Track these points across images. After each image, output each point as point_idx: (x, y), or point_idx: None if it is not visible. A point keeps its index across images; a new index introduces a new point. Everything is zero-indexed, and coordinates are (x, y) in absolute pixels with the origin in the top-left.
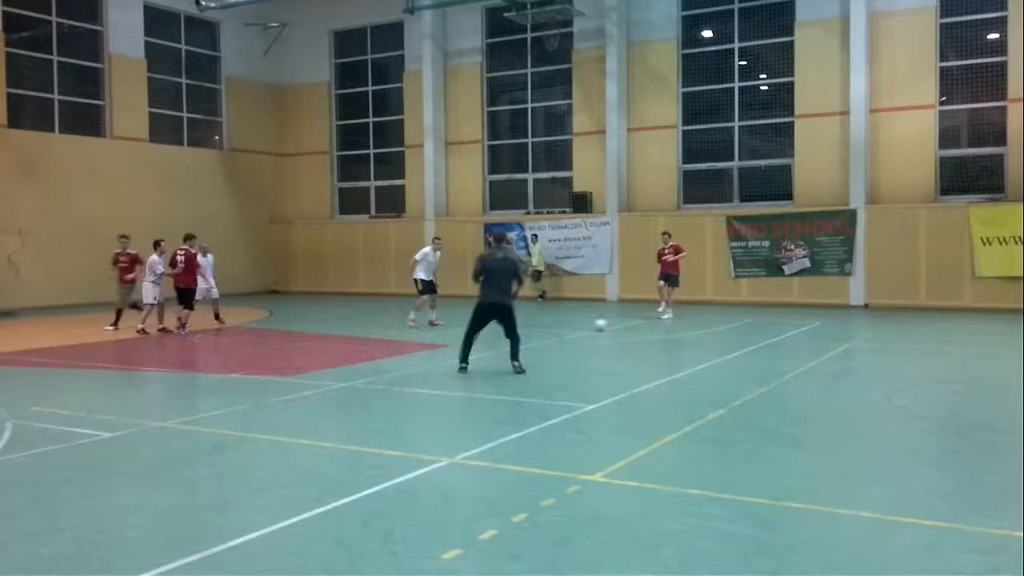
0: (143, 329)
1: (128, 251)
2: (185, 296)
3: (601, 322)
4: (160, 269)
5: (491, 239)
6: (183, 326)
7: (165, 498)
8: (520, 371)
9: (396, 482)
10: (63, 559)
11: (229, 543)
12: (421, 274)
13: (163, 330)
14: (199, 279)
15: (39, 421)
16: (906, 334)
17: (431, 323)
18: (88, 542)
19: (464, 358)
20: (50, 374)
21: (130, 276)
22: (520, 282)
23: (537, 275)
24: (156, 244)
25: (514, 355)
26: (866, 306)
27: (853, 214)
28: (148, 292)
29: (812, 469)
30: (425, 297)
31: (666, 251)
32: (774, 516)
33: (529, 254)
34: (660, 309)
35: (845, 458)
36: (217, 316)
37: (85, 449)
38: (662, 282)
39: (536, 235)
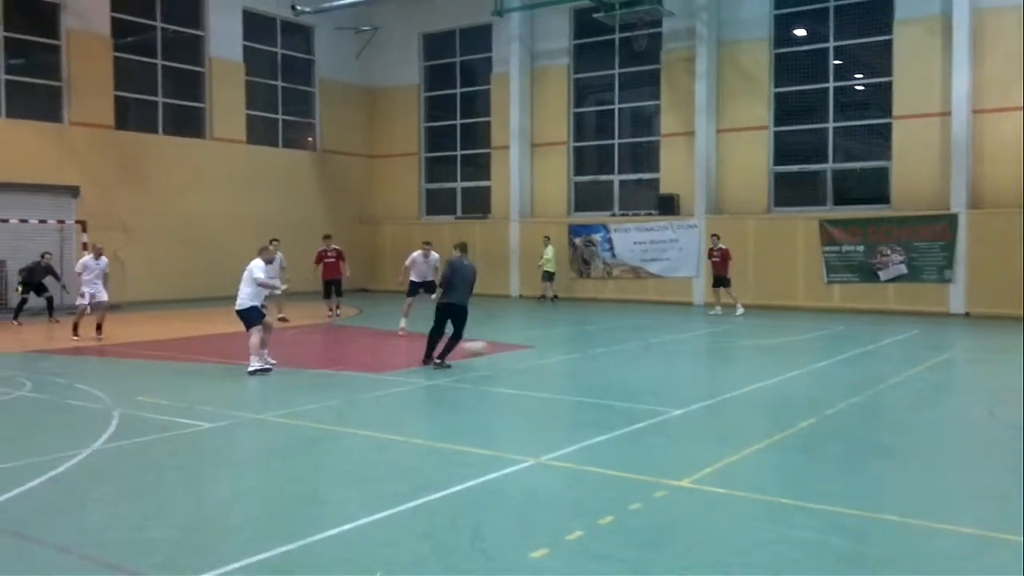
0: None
1: (334, 247)
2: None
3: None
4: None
5: (456, 247)
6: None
7: (263, 488)
8: (445, 367)
9: (483, 480)
10: (168, 543)
11: (324, 533)
12: (413, 276)
13: (283, 319)
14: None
15: (144, 411)
16: (1009, 344)
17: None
18: (191, 528)
19: (429, 355)
20: (153, 366)
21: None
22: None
23: (549, 277)
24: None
25: (445, 351)
26: (967, 315)
27: (954, 219)
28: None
29: (907, 481)
30: (411, 300)
31: (714, 253)
32: (867, 528)
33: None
34: (739, 311)
35: (943, 471)
36: (77, 326)
37: (187, 439)
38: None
39: (548, 237)
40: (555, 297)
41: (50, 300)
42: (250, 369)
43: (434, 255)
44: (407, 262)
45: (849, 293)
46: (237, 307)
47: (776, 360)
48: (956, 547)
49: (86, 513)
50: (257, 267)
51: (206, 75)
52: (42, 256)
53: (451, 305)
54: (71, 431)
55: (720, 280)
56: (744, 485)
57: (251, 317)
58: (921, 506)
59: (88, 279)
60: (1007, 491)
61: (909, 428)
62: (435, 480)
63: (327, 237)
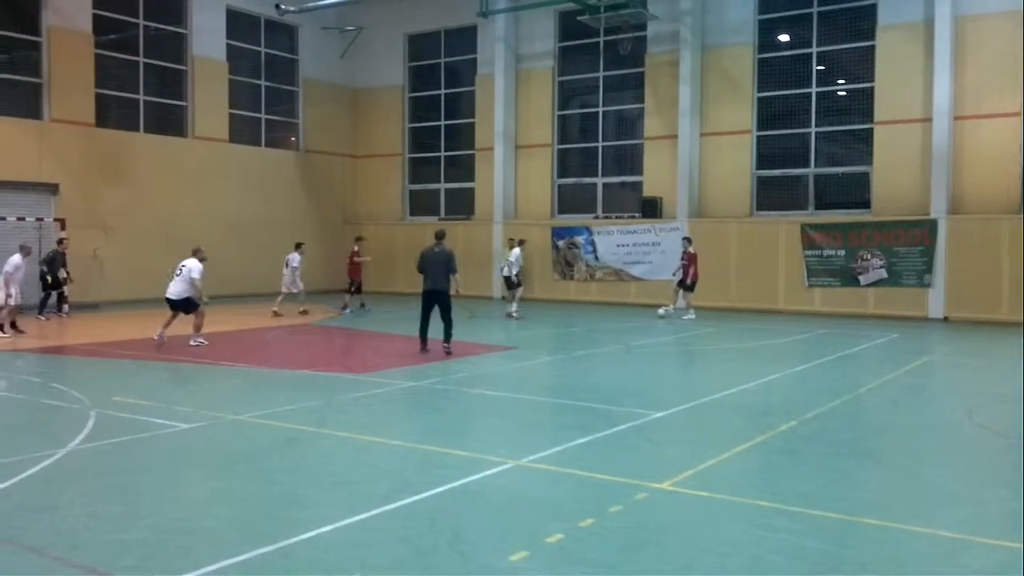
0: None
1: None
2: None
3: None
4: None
5: (434, 235)
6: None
7: (241, 489)
8: (449, 352)
9: (464, 482)
10: (143, 544)
11: (302, 535)
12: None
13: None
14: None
15: (120, 411)
16: (988, 349)
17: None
18: (167, 530)
19: (424, 344)
20: (131, 365)
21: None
22: (454, 271)
23: (507, 281)
24: (297, 246)
25: (446, 338)
26: (946, 319)
27: (934, 224)
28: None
29: (887, 485)
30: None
31: (683, 256)
32: (846, 531)
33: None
34: (665, 311)
35: (922, 475)
36: (13, 325)
37: (164, 439)
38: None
39: (513, 239)
40: (510, 315)
41: (62, 294)
42: (195, 343)
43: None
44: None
45: (830, 297)
46: (176, 296)
47: (757, 363)
48: (934, 550)
49: (60, 514)
50: (196, 268)
51: (188, 73)
52: (59, 242)
53: (428, 292)
54: (46, 431)
55: (682, 283)
56: (724, 488)
57: (191, 304)
58: (899, 509)
59: (20, 277)
60: (984, 494)
61: (888, 431)
62: (414, 482)
63: (359, 239)
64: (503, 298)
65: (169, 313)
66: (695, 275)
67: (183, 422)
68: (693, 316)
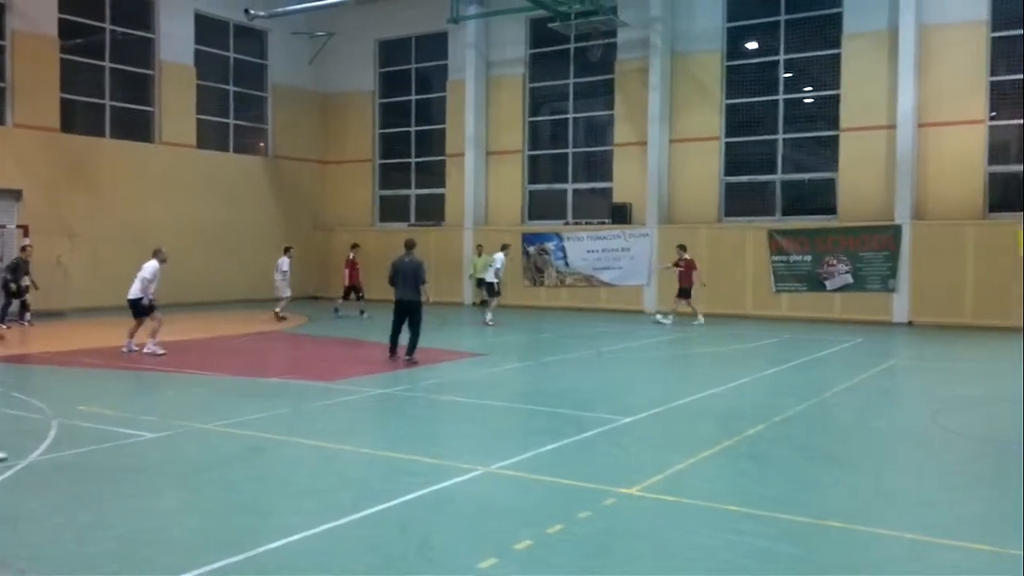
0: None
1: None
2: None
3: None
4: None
5: (404, 244)
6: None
7: (207, 499)
8: (413, 363)
9: (432, 490)
10: (108, 556)
11: (268, 545)
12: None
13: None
14: None
15: (84, 420)
16: (951, 353)
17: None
18: (132, 540)
19: (393, 350)
20: (96, 374)
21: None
22: (423, 281)
23: (480, 283)
24: (286, 249)
25: (410, 349)
26: (910, 323)
27: (898, 230)
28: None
29: (853, 488)
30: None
31: (680, 263)
32: (814, 535)
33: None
34: (698, 320)
35: (888, 478)
36: None
37: (129, 449)
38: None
39: (500, 244)
40: (487, 323)
41: (24, 303)
42: (148, 351)
43: None
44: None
45: (796, 302)
46: (131, 296)
47: (725, 368)
48: (899, 553)
49: (23, 526)
50: (149, 268)
51: (156, 78)
52: (23, 249)
53: (399, 302)
54: (6, 442)
55: (683, 291)
56: (693, 492)
57: (140, 306)
58: (865, 512)
59: None
60: (949, 497)
61: (854, 435)
62: (383, 490)
63: (355, 246)
64: (476, 304)
65: (134, 321)
66: (689, 281)
67: (148, 431)
68: (702, 321)
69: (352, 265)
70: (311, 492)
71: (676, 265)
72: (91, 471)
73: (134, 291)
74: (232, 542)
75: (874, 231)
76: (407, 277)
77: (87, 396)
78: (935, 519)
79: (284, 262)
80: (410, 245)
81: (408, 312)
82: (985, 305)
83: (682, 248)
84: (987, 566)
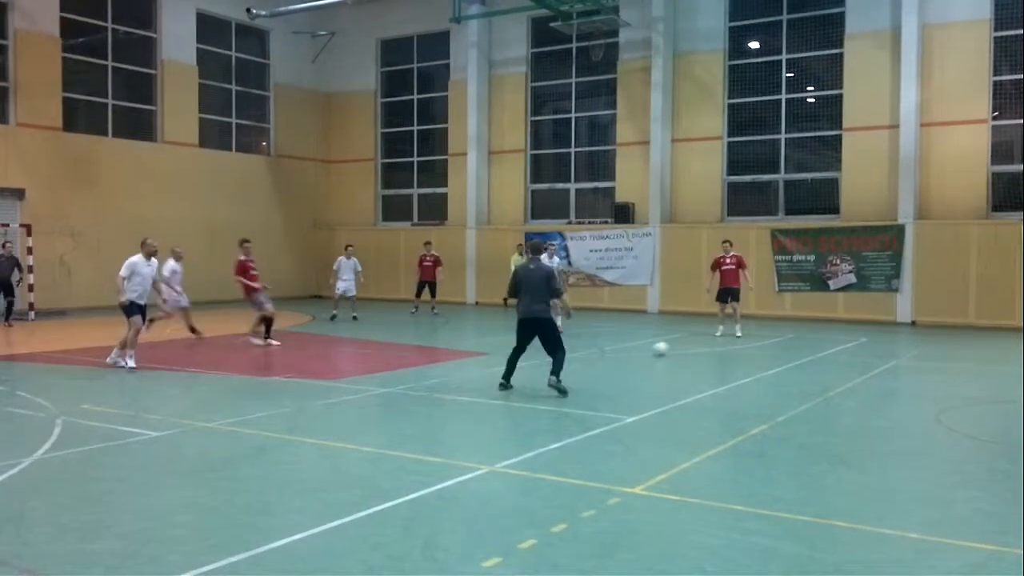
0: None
1: (433, 253)
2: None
3: (662, 345)
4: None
5: (527, 249)
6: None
7: (211, 498)
8: (559, 388)
9: (436, 488)
10: (112, 555)
11: (273, 544)
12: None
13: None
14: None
15: (88, 419)
16: (955, 353)
17: (354, 318)
18: (136, 539)
19: (505, 376)
20: (100, 373)
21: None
22: (555, 294)
23: None
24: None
25: (556, 369)
26: (913, 323)
27: (901, 229)
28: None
29: (858, 487)
30: (339, 295)
31: (727, 260)
32: (818, 534)
33: (570, 263)
34: (719, 332)
35: (892, 477)
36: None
37: (133, 448)
38: (728, 298)
39: (521, 244)
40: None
41: (11, 303)
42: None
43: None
44: (335, 266)
45: (800, 301)
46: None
47: (729, 367)
48: (904, 552)
49: (27, 525)
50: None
51: (158, 77)
52: (3, 246)
53: (524, 320)
54: (11, 440)
55: (729, 292)
56: (697, 492)
57: (131, 310)
58: (869, 512)
59: None
60: (953, 496)
61: (858, 434)
62: (387, 489)
63: (427, 243)
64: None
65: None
66: (736, 280)
67: (152, 430)
68: (740, 334)
69: (420, 262)
70: (314, 491)
71: (720, 264)
72: (95, 469)
73: (140, 294)
74: (236, 541)
75: (877, 231)
76: (536, 288)
77: (91, 394)
78: (938, 518)
79: (351, 262)
80: (536, 249)
81: (537, 330)
82: (989, 305)
83: (728, 243)
84: (987, 564)
